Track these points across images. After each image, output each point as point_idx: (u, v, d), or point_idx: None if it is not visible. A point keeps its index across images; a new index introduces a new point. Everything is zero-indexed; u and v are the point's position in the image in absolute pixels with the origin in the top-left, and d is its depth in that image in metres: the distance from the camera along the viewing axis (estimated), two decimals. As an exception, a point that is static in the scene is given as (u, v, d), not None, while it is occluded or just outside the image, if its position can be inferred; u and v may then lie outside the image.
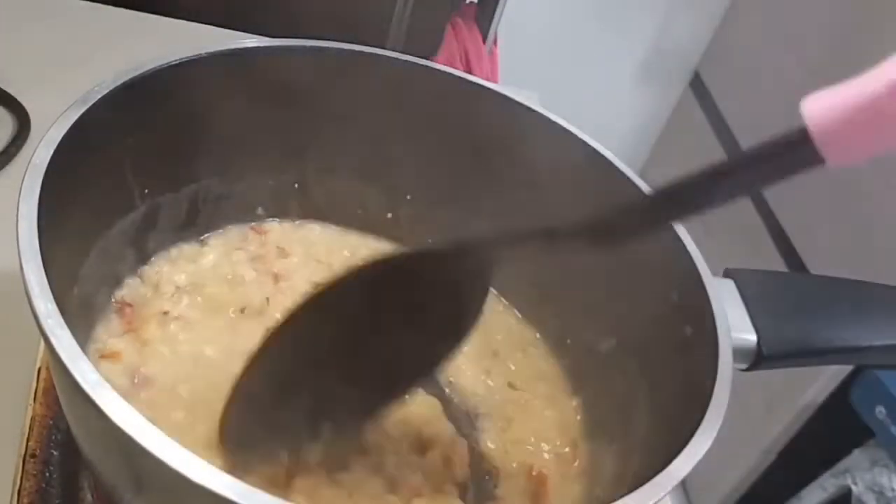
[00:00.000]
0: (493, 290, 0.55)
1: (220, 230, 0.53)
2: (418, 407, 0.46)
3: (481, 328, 0.52)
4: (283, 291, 0.50)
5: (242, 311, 0.49)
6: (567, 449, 0.47)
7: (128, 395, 0.42)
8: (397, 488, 0.41)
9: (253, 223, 0.54)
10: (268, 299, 0.49)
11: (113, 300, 0.46)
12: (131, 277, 0.48)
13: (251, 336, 0.46)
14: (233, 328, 0.48)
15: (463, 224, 0.55)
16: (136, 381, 0.43)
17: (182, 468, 0.26)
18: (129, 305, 0.46)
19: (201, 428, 0.41)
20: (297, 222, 0.55)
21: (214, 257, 0.51)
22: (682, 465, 0.33)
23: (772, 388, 1.29)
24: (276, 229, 0.55)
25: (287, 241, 0.54)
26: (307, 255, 0.54)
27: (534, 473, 0.45)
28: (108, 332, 0.45)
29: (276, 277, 0.51)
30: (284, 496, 0.28)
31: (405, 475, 0.42)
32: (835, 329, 0.43)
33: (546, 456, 0.47)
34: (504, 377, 0.51)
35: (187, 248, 0.51)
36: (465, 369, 0.50)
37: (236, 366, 0.44)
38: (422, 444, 0.44)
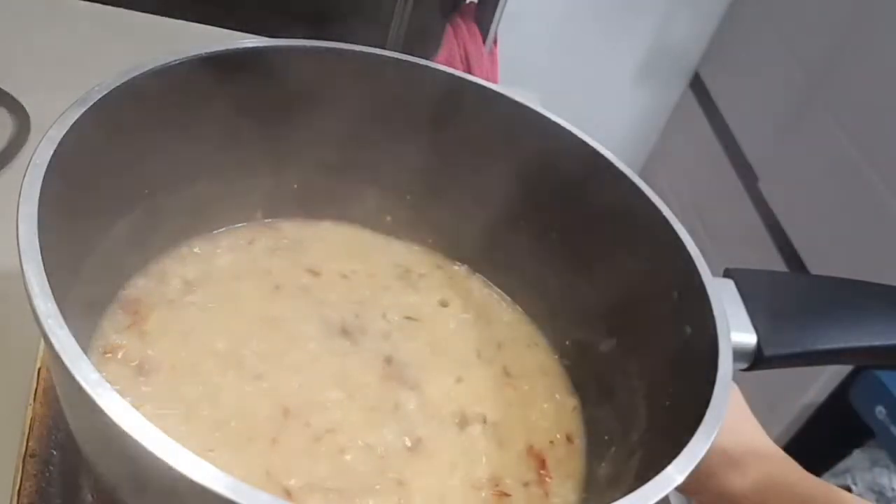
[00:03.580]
0: (497, 290, 0.56)
1: (225, 228, 0.53)
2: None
3: (487, 322, 0.53)
4: (321, 281, 0.52)
5: (277, 287, 0.50)
6: (563, 442, 0.47)
7: (133, 388, 0.42)
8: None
9: (267, 220, 0.54)
10: (308, 288, 0.51)
11: (118, 297, 0.46)
12: (136, 275, 0.48)
13: (273, 323, 0.48)
14: (252, 317, 0.48)
15: (463, 224, 0.55)
16: (142, 373, 0.43)
17: (182, 468, 0.26)
18: (136, 301, 0.47)
19: (209, 418, 0.42)
20: (306, 220, 0.56)
21: (230, 252, 0.52)
22: (682, 465, 0.33)
23: (772, 388, 1.29)
24: (289, 226, 0.55)
25: (304, 237, 0.54)
26: (328, 249, 0.54)
27: (534, 449, 0.46)
28: (114, 328, 0.45)
29: (311, 270, 0.52)
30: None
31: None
32: (835, 329, 0.43)
33: (544, 440, 0.47)
34: (503, 367, 0.51)
35: (196, 245, 0.51)
36: (468, 358, 0.51)
37: (247, 356, 0.45)
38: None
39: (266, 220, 0.55)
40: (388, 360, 0.48)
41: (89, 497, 0.43)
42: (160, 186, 0.47)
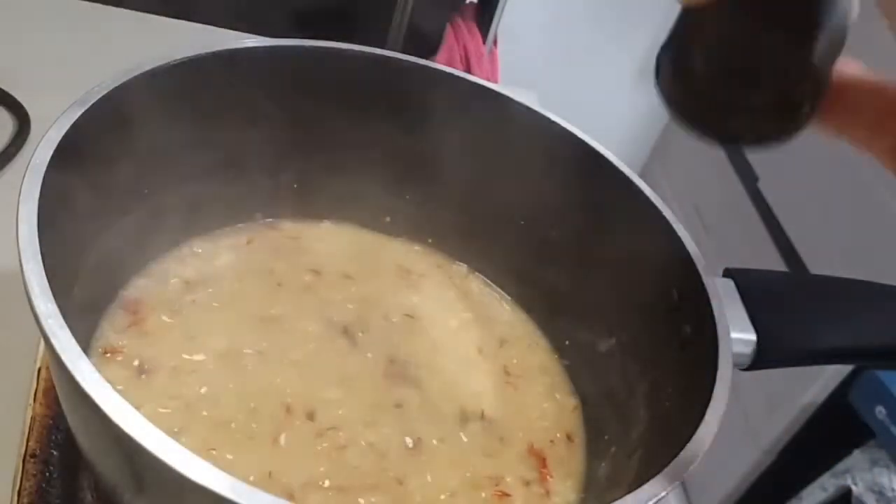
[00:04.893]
0: (498, 289, 0.56)
1: (225, 228, 0.53)
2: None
3: (487, 322, 0.53)
4: (322, 281, 0.52)
5: (278, 287, 0.50)
6: (563, 441, 0.48)
7: (133, 388, 0.42)
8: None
9: (267, 220, 0.54)
10: (309, 288, 0.51)
11: (118, 297, 0.47)
12: (136, 275, 0.48)
13: (274, 322, 0.48)
14: (253, 316, 0.48)
15: (463, 224, 0.55)
16: (142, 373, 0.43)
17: (182, 468, 0.26)
18: (136, 301, 0.47)
19: (210, 418, 0.42)
20: (306, 220, 0.56)
21: (230, 252, 0.52)
22: (682, 465, 0.33)
23: (772, 388, 1.29)
24: (289, 226, 0.55)
25: (304, 237, 0.55)
26: (328, 249, 0.54)
27: (535, 448, 0.46)
28: (114, 328, 0.45)
29: (312, 270, 0.52)
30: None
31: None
32: (835, 329, 0.43)
33: (544, 439, 0.47)
34: (503, 366, 0.51)
35: (196, 245, 0.51)
36: (469, 357, 0.51)
37: (248, 355, 0.46)
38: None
39: (266, 220, 0.55)
40: (389, 360, 0.48)
41: (89, 497, 0.43)
42: (160, 186, 0.47)
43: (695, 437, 0.34)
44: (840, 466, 1.16)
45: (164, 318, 0.46)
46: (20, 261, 0.31)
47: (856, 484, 1.12)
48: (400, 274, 0.55)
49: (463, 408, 0.47)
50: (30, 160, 0.35)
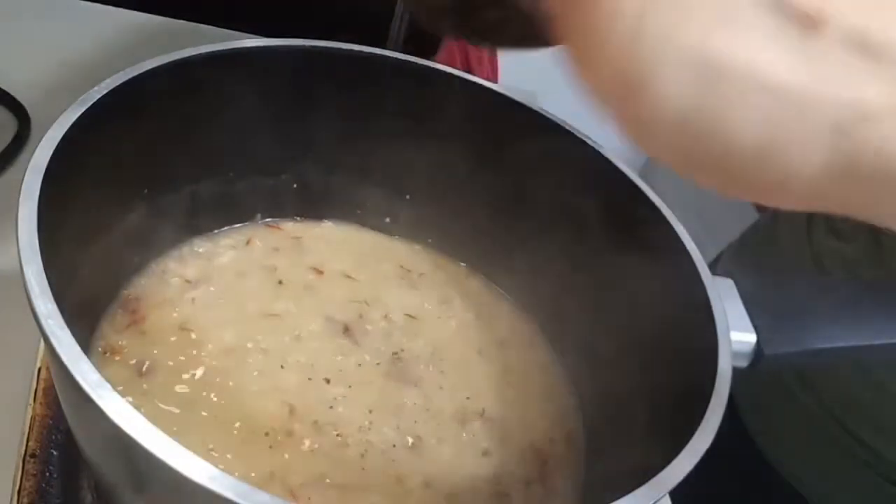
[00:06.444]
0: (497, 289, 0.56)
1: (225, 228, 0.53)
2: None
3: (487, 321, 0.53)
4: (323, 280, 0.52)
5: (279, 286, 0.50)
6: (563, 441, 0.48)
7: (133, 388, 0.42)
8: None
9: (267, 220, 0.54)
10: (310, 287, 0.51)
11: (118, 297, 0.47)
12: (136, 275, 0.48)
13: (274, 321, 0.48)
14: (254, 315, 0.48)
15: (463, 224, 0.55)
16: (142, 373, 0.43)
17: (182, 468, 0.26)
18: (136, 300, 0.47)
19: (210, 417, 0.42)
20: (306, 220, 0.56)
21: (230, 252, 0.52)
22: (682, 465, 0.33)
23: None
24: (289, 226, 0.55)
25: (304, 237, 0.55)
26: (328, 249, 0.54)
27: (535, 448, 0.46)
28: (114, 328, 0.45)
29: (314, 269, 0.52)
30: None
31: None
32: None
33: (544, 439, 0.47)
34: (504, 366, 0.51)
35: (197, 244, 0.51)
36: (469, 357, 0.51)
37: (249, 354, 0.46)
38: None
39: (266, 220, 0.55)
40: (390, 359, 0.48)
41: (89, 497, 0.43)
42: (160, 186, 0.47)
43: (694, 437, 0.34)
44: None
45: (165, 317, 0.46)
46: (20, 261, 0.31)
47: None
48: (400, 274, 0.55)
49: (463, 408, 0.47)
50: (30, 160, 0.35)
